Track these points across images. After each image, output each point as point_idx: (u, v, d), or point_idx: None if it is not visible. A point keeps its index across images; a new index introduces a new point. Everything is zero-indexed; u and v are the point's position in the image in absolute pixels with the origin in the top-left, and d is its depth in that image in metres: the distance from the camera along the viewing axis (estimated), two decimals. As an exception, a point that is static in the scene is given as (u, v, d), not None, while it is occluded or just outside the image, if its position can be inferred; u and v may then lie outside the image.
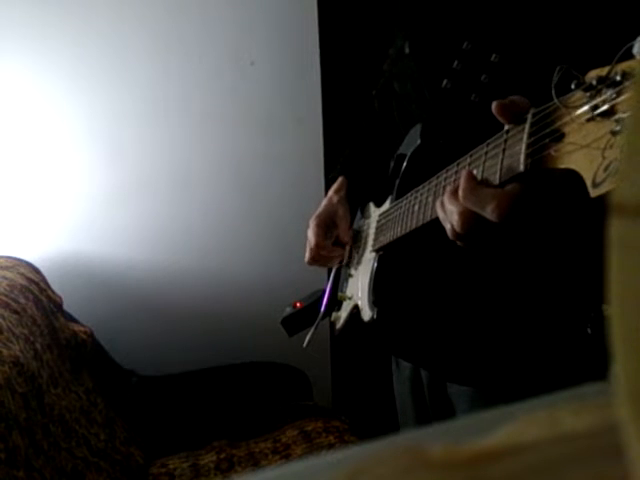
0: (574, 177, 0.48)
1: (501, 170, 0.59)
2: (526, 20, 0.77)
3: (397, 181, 0.93)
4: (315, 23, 2.03)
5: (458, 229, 0.63)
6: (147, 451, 1.77)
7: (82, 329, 1.83)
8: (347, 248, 1.10)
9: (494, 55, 0.78)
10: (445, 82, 0.84)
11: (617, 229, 0.17)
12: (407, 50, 0.94)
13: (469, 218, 0.62)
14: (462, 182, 0.63)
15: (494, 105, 0.61)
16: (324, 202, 1.11)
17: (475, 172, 0.64)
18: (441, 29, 0.88)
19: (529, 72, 0.73)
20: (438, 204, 0.68)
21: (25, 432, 1.22)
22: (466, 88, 0.81)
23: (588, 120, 0.48)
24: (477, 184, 0.62)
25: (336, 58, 2.08)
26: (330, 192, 1.12)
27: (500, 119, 0.61)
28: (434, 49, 0.89)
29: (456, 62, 0.83)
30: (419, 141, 0.86)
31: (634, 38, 0.44)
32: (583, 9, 0.72)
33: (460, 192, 0.63)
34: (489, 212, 0.59)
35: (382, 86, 1.11)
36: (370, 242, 1.00)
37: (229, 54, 2.04)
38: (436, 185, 0.73)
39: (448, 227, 0.66)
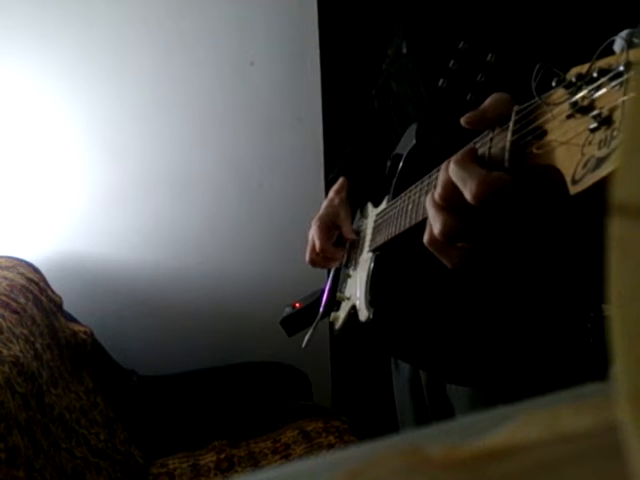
0: (555, 174, 0.48)
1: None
2: (522, 20, 0.77)
3: (393, 181, 0.94)
4: (315, 23, 2.03)
5: (437, 198, 0.61)
6: (147, 451, 1.77)
7: (82, 329, 1.83)
8: (346, 248, 1.10)
9: (490, 55, 0.78)
10: (441, 81, 0.84)
11: (618, 229, 0.17)
12: (404, 50, 0.94)
13: (451, 190, 0.59)
14: (460, 152, 0.61)
15: (463, 121, 0.60)
16: (325, 203, 1.11)
17: None
18: (438, 29, 0.88)
19: (525, 72, 0.73)
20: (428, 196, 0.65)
21: (25, 432, 1.22)
22: (462, 88, 0.81)
23: (568, 117, 0.48)
24: (472, 159, 0.60)
25: (336, 58, 2.08)
26: (331, 193, 1.12)
27: (476, 128, 0.61)
28: (431, 49, 0.89)
29: (452, 62, 0.83)
30: (414, 141, 0.86)
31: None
32: (578, 9, 0.72)
33: (452, 161, 0.60)
34: (468, 190, 0.57)
35: (381, 86, 1.11)
36: (367, 242, 1.00)
37: (229, 54, 2.04)
38: (428, 184, 0.73)
39: (429, 199, 0.64)
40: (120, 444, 1.66)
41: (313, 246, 1.09)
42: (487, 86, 0.79)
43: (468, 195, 0.57)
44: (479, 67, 0.79)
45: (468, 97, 0.80)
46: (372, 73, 1.17)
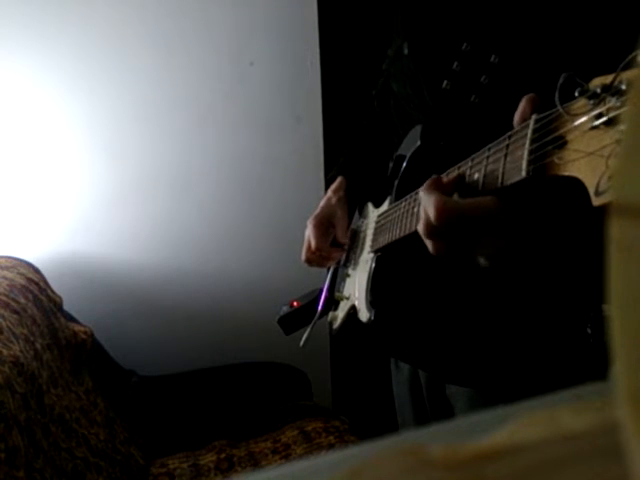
0: (577, 185, 0.48)
1: (503, 175, 0.58)
2: (525, 21, 0.77)
3: (396, 182, 0.93)
4: (315, 23, 2.03)
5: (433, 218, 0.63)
6: (147, 451, 1.77)
7: (82, 329, 1.83)
8: (345, 248, 1.11)
9: (493, 56, 0.78)
10: (445, 83, 0.84)
11: (617, 230, 0.17)
12: (406, 51, 0.94)
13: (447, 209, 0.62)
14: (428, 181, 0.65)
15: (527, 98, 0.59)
16: (322, 202, 1.11)
17: (477, 176, 0.63)
18: (440, 30, 0.88)
19: (529, 73, 0.73)
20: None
21: (25, 432, 1.22)
22: (466, 89, 0.81)
23: (592, 128, 0.47)
24: (437, 188, 0.64)
25: (336, 58, 2.08)
26: (329, 192, 1.12)
27: (524, 105, 0.59)
28: (433, 50, 0.89)
29: (455, 63, 0.83)
30: (419, 142, 0.86)
31: (635, 43, 0.43)
32: (584, 11, 0.72)
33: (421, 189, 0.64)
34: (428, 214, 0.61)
35: (381, 86, 1.11)
36: (368, 243, 1.00)
37: (228, 54, 2.04)
38: None
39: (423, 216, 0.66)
40: (120, 444, 1.66)
41: (309, 245, 1.09)
42: (491, 88, 0.78)
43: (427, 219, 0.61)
44: (483, 69, 0.79)
45: (472, 99, 0.80)
46: (372, 73, 1.17)
